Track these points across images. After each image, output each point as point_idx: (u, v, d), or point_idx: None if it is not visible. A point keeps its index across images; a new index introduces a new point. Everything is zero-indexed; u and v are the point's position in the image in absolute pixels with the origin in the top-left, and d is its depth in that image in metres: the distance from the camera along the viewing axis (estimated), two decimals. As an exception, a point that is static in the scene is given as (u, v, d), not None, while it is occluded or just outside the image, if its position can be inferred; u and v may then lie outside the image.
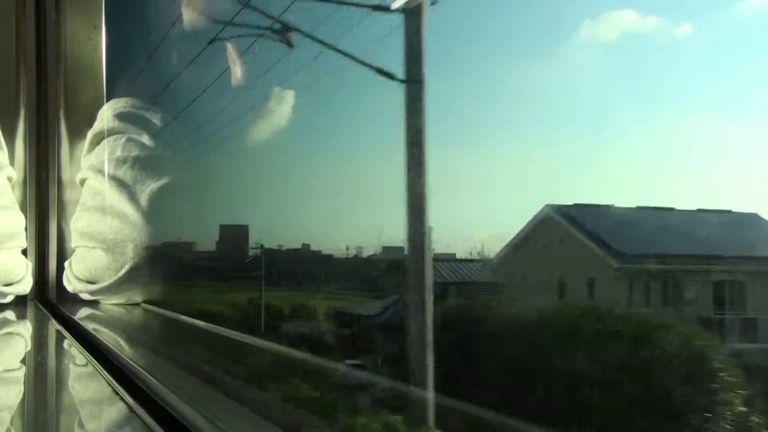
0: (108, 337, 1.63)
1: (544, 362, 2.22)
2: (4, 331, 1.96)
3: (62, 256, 2.34)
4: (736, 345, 2.37)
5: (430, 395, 1.93)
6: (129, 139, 2.18)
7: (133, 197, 2.11)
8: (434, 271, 2.35)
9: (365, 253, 4.35)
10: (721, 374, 1.93)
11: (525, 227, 3.20)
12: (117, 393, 1.09)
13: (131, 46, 2.75)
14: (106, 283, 2.14)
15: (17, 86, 2.40)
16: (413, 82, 2.12)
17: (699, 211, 2.72)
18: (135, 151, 2.16)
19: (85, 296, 2.20)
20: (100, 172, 2.18)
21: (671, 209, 2.76)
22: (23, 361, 1.52)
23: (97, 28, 2.45)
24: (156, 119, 2.26)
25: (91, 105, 2.37)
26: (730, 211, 2.63)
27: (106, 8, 2.48)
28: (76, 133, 2.34)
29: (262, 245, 5.13)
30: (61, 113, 2.40)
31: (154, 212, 2.14)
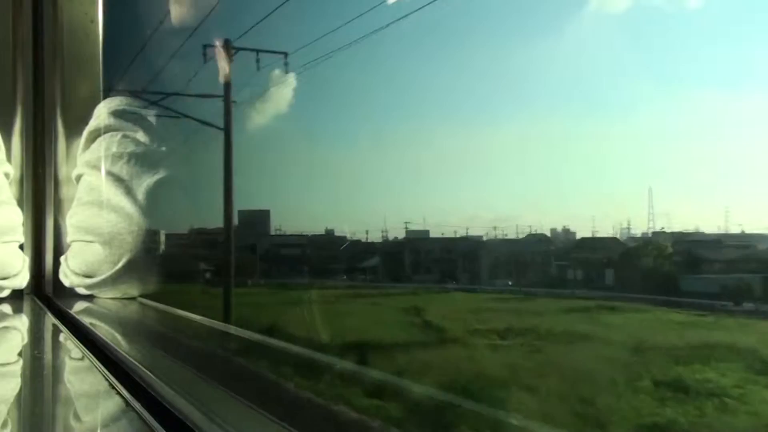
0: (104, 330, 1.64)
1: None
2: (1, 325, 1.97)
3: (59, 250, 2.34)
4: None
5: None
6: (125, 136, 2.19)
7: (130, 191, 2.12)
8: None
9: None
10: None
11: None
12: (112, 386, 1.11)
13: (128, 41, 2.75)
14: (102, 277, 2.15)
15: (14, 82, 2.40)
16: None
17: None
18: (131, 147, 2.17)
19: (82, 290, 2.21)
20: (96, 168, 2.19)
21: None
22: (20, 355, 1.53)
23: (94, 22, 2.45)
24: (151, 116, 2.27)
25: (88, 100, 2.37)
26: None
27: (103, 2, 2.48)
28: (74, 129, 2.35)
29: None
30: (58, 109, 2.41)
31: (157, 203, 2.15)
